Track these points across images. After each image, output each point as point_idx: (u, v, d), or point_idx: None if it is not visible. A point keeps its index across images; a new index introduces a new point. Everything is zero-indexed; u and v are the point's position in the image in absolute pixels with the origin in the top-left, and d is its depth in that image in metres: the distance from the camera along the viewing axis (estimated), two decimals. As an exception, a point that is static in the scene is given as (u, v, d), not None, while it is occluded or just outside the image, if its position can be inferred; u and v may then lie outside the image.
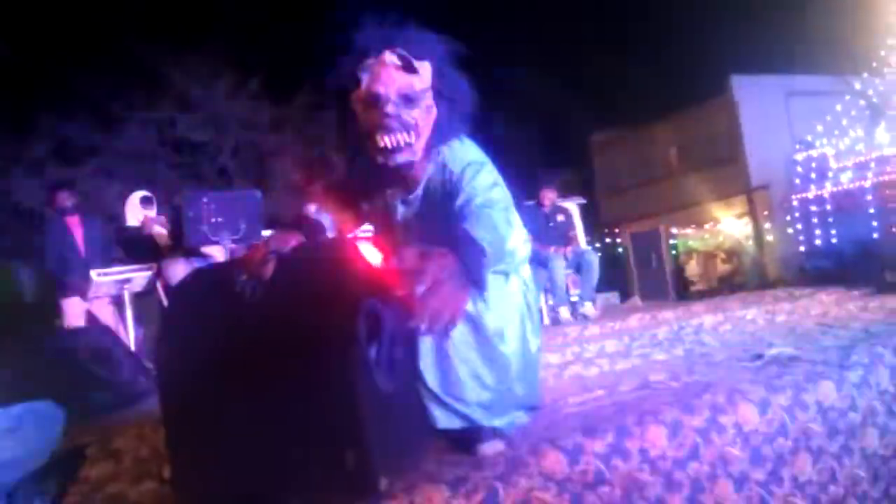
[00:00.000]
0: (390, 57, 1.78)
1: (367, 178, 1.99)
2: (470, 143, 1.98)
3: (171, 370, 1.76)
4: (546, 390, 2.84)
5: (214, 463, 1.59)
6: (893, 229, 9.23)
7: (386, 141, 1.78)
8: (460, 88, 1.93)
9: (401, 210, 1.97)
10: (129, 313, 5.29)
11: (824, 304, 4.59)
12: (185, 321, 1.78)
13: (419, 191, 1.93)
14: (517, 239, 1.94)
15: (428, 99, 1.84)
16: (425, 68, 1.83)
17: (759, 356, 2.80)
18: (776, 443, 2.26)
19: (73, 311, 5.42)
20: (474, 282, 1.54)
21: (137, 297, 5.47)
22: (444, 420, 1.89)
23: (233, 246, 4.66)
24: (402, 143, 1.79)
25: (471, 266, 1.51)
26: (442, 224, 1.80)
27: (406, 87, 1.78)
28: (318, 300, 1.59)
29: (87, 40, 10.65)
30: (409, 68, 1.79)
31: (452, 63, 1.91)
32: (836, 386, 2.43)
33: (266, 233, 5.32)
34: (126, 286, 5.34)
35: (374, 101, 1.77)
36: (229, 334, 1.61)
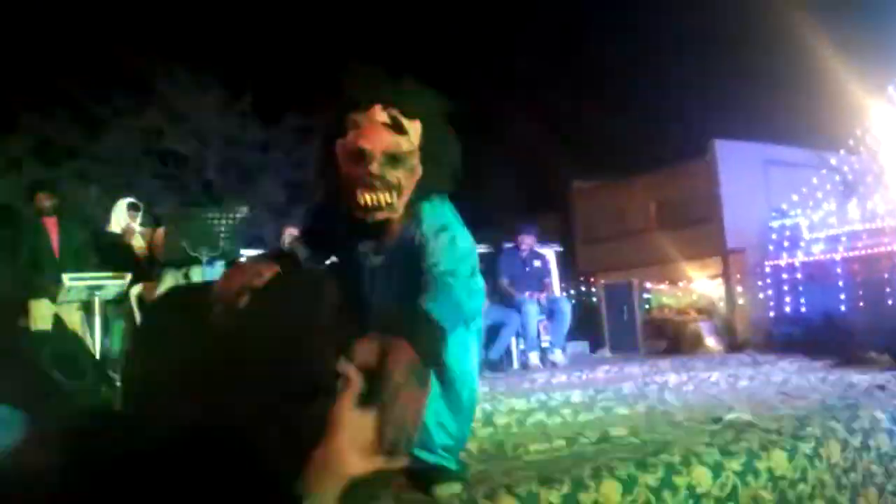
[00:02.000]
0: (380, 114, 1.73)
1: (340, 223, 1.92)
2: (448, 206, 1.96)
3: (134, 388, 1.76)
4: (508, 437, 2.87)
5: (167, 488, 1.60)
6: (861, 303, 9.46)
7: (367, 199, 1.75)
8: (449, 148, 1.89)
9: (370, 259, 1.95)
10: (97, 320, 5.24)
11: (786, 372, 4.68)
12: (155, 340, 1.79)
13: (392, 244, 1.91)
14: (477, 301, 1.87)
15: (413, 159, 1.79)
16: (415, 128, 1.78)
17: (718, 420, 2.85)
18: (727, 508, 2.31)
19: (41, 313, 5.35)
20: (433, 360, 1.52)
21: (107, 305, 5.43)
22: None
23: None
24: (383, 203, 1.76)
25: (429, 346, 1.49)
26: (407, 277, 1.80)
27: (393, 146, 1.73)
28: (284, 334, 1.62)
29: (77, 42, 10.67)
30: (397, 128, 1.74)
31: (443, 121, 1.88)
32: (789, 456, 2.49)
33: (245, 251, 5.34)
34: (97, 293, 5.29)
35: (359, 157, 1.73)
36: (196, 360, 1.63)
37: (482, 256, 7.26)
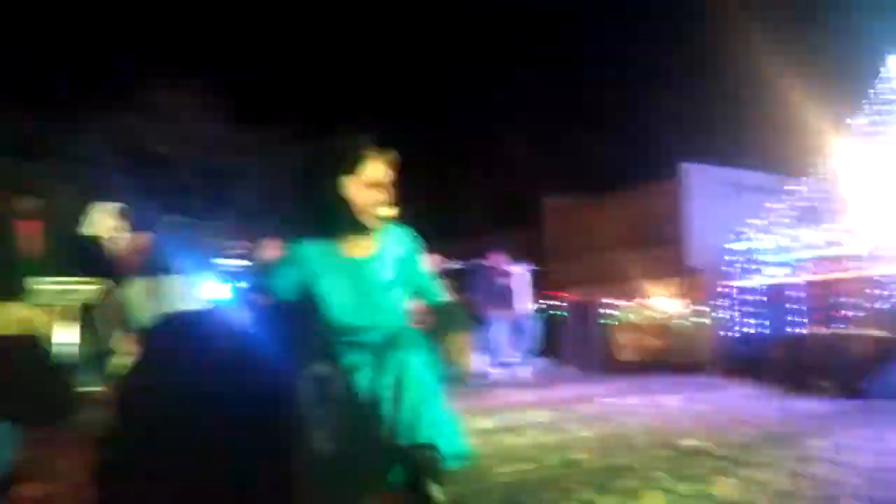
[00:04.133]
0: (383, 160, 2.43)
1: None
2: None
3: (127, 406, 1.87)
4: (476, 457, 3.02)
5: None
6: (813, 328, 9.80)
7: (388, 212, 2.40)
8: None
9: (361, 261, 2.44)
10: (73, 325, 5.24)
11: (739, 397, 4.91)
12: (149, 365, 1.90)
13: (380, 251, 2.44)
14: None
15: None
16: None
17: (673, 446, 3.04)
18: (677, 530, 2.48)
19: (11, 317, 5.32)
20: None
21: (84, 310, 5.43)
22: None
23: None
24: (393, 213, 2.43)
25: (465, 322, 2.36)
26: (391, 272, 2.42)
27: (390, 178, 2.45)
28: (262, 361, 1.75)
29: (56, 36, 10.57)
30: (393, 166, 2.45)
31: None
32: (738, 482, 2.67)
33: (220, 262, 5.39)
34: (72, 297, 5.30)
35: (378, 186, 2.40)
36: (185, 384, 1.75)
37: (454, 272, 7.30)
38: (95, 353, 5.55)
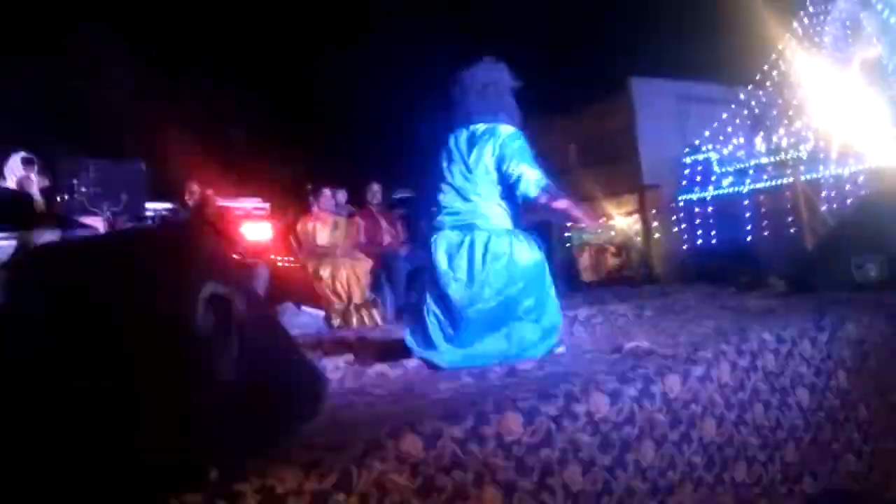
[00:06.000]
0: None
1: None
2: None
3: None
4: (418, 378, 2.93)
5: (47, 453, 1.56)
6: (766, 233, 9.97)
7: None
8: None
9: None
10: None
11: (689, 300, 4.91)
12: (18, 304, 1.71)
13: None
14: None
15: None
16: None
17: (618, 349, 2.98)
18: (623, 430, 2.43)
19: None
20: None
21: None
22: None
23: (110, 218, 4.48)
24: None
25: None
26: None
27: None
28: (155, 286, 1.57)
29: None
30: None
31: None
32: (682, 379, 2.63)
33: (151, 205, 5.14)
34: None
35: None
36: (64, 319, 1.57)
37: (404, 201, 7.10)
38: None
